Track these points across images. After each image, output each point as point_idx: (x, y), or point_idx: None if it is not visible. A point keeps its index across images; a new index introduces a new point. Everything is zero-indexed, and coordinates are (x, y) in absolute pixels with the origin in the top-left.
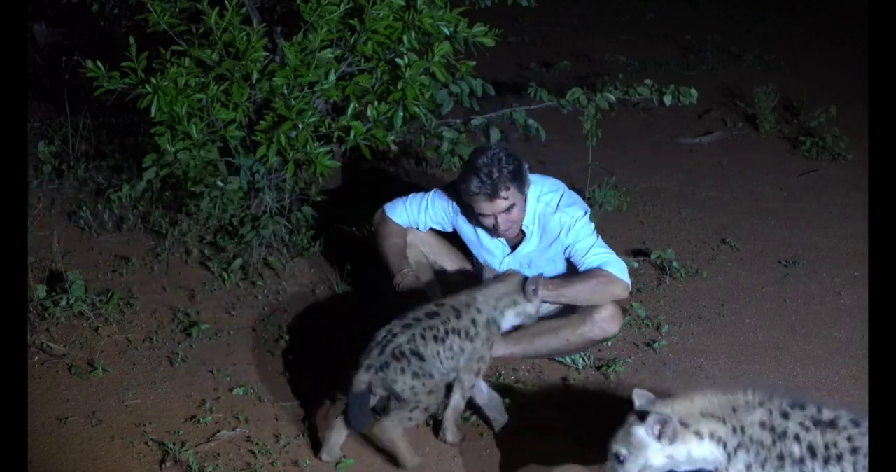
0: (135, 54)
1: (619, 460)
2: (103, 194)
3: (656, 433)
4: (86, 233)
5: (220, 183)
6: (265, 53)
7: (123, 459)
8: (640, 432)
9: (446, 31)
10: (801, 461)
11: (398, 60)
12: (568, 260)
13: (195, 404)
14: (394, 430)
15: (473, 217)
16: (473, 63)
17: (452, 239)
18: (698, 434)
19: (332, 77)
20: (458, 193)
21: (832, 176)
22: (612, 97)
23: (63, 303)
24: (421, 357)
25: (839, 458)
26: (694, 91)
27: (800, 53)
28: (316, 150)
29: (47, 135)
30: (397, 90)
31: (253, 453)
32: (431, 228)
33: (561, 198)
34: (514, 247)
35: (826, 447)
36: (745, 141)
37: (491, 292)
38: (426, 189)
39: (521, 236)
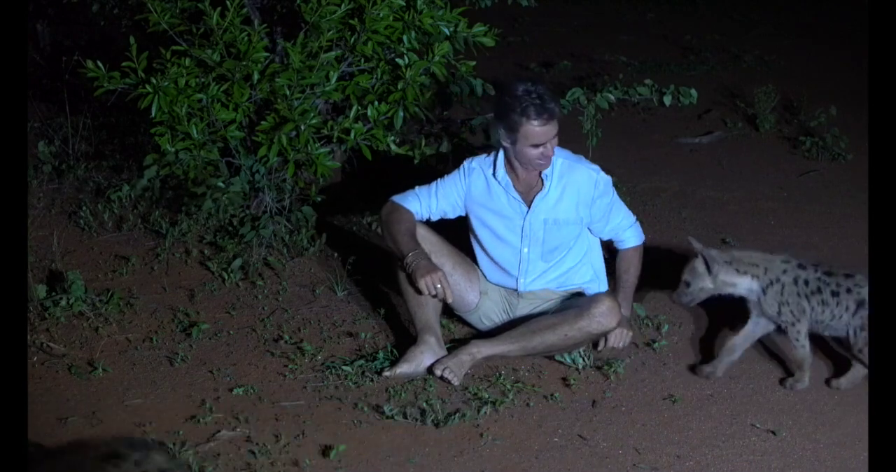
0: (135, 54)
1: (686, 284)
2: (103, 194)
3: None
4: (86, 233)
5: (220, 184)
6: (266, 54)
7: None
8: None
9: (446, 31)
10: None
11: (398, 60)
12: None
13: (195, 404)
14: None
15: (512, 158)
16: (473, 63)
17: (453, 240)
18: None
19: (334, 79)
20: (468, 173)
21: (832, 176)
22: (612, 97)
23: (63, 303)
24: None
25: None
26: (694, 91)
27: (800, 53)
28: (317, 150)
29: (47, 135)
30: (397, 90)
31: (253, 453)
32: (434, 228)
33: (579, 158)
34: (529, 204)
35: None
36: (745, 141)
37: None
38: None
39: (540, 186)
